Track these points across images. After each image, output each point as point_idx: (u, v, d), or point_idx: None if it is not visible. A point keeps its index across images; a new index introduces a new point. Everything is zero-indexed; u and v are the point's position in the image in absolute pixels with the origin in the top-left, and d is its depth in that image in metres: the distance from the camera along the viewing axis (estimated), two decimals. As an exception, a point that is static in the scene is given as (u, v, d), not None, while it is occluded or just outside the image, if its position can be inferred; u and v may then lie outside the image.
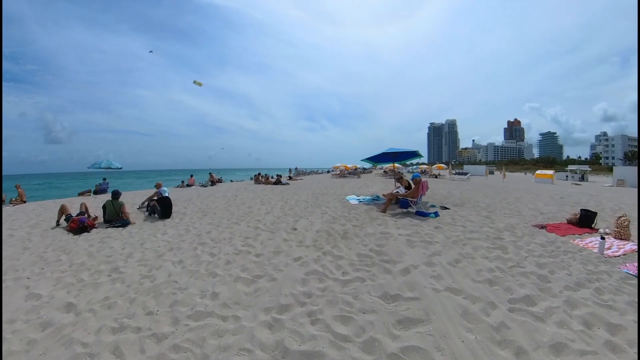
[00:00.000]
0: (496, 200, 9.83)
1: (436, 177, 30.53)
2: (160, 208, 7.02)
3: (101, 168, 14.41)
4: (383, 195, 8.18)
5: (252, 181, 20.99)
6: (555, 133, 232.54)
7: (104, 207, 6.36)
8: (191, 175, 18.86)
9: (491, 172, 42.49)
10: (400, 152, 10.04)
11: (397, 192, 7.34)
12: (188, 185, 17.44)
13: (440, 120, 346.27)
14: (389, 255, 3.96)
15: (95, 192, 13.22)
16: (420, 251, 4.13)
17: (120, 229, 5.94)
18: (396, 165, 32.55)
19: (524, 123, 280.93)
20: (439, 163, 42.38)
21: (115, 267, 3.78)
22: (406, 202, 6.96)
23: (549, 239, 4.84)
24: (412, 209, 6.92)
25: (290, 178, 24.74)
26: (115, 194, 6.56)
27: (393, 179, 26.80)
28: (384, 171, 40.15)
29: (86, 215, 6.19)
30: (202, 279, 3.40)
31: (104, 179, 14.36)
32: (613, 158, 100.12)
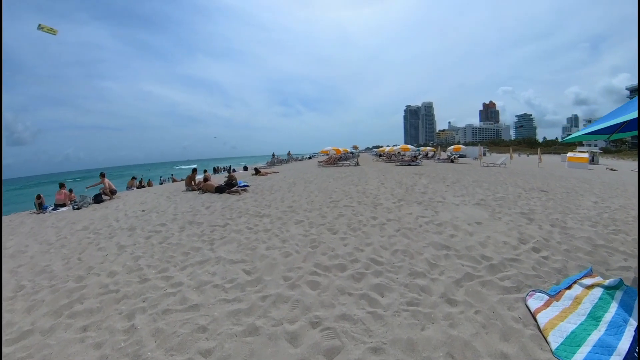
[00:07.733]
0: None
1: (452, 161, 25.72)
2: None
3: None
4: None
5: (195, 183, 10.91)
6: (531, 115, 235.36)
7: None
8: (60, 186, 9.25)
9: (484, 154, 38.98)
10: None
11: None
12: (57, 207, 8.55)
13: (417, 102, 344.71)
14: None
15: None
16: None
17: None
18: (408, 147, 27.08)
19: (498, 105, 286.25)
20: (457, 144, 38.10)
21: None
22: None
23: None
24: None
25: (257, 172, 15.62)
26: None
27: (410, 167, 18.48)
28: (379, 154, 33.35)
29: None
30: None
31: None
32: (596, 140, 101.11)
